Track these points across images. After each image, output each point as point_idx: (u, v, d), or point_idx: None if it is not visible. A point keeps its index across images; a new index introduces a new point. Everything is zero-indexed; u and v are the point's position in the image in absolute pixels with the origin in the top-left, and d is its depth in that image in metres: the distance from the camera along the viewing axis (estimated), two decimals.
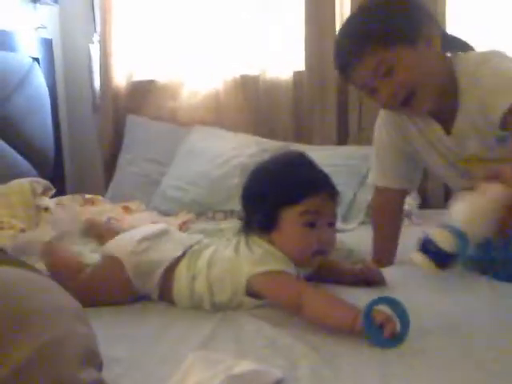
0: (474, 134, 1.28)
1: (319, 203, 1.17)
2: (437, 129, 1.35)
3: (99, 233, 1.64)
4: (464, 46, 1.34)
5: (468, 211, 1.00)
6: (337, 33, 1.39)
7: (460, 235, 0.96)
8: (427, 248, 0.99)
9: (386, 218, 1.56)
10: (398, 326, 0.99)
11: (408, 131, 1.42)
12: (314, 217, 1.17)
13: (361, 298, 1.24)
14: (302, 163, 1.24)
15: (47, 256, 1.38)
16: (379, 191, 1.55)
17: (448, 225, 0.98)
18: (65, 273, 1.30)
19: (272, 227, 1.19)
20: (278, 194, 1.18)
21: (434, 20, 1.31)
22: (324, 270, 1.33)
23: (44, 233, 1.62)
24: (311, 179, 1.20)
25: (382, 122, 1.48)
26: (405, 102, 1.25)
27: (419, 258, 0.99)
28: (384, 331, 0.96)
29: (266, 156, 1.35)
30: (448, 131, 1.33)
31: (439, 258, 0.98)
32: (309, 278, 1.31)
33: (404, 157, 1.48)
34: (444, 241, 0.97)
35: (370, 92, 1.29)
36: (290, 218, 1.17)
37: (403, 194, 1.57)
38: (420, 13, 1.26)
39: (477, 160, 1.33)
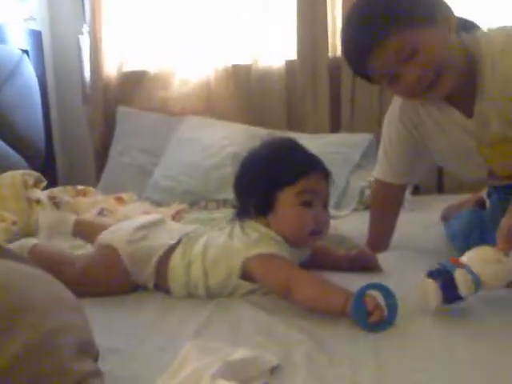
0: (495, 115, 1.27)
1: (314, 183, 1.20)
2: (456, 115, 1.31)
3: (89, 232, 1.59)
4: (473, 27, 1.32)
5: (493, 267, 1.01)
6: (342, 22, 1.33)
7: (479, 285, 0.99)
8: (443, 281, 1.00)
9: (386, 209, 1.57)
10: (386, 313, 0.99)
11: (423, 126, 1.39)
12: (310, 196, 1.19)
13: (356, 282, 1.25)
14: (293, 146, 1.27)
15: (37, 251, 1.37)
16: (382, 185, 1.54)
17: (470, 269, 1.00)
18: (58, 264, 1.29)
19: (269, 210, 1.20)
20: (273, 176, 1.20)
21: (446, 1, 1.26)
22: (319, 256, 1.35)
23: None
24: (304, 160, 1.23)
25: (394, 119, 1.45)
26: (431, 85, 1.20)
27: (432, 287, 1.00)
28: (371, 317, 0.97)
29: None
30: (468, 115, 1.30)
31: (451, 295, 1.00)
32: (304, 264, 1.31)
33: (412, 154, 1.46)
34: (465, 285, 0.99)
35: (391, 80, 1.22)
36: (287, 199, 1.19)
37: (404, 187, 1.57)
38: None
39: (501, 141, 1.31)
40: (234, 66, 2.69)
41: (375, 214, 1.58)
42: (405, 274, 1.28)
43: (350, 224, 1.84)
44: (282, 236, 1.19)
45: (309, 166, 1.21)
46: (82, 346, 0.78)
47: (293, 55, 2.60)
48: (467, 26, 1.31)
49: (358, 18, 1.24)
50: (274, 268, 1.14)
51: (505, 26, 1.27)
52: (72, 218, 1.63)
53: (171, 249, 1.26)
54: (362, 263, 1.33)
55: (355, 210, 2.15)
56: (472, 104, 1.28)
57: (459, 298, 1.00)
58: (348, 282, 1.19)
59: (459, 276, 0.99)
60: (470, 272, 0.99)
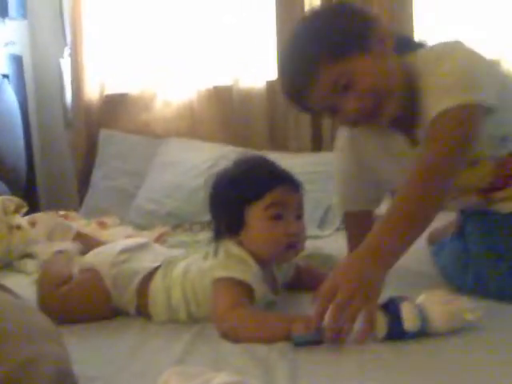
0: None
1: (282, 194, 1.17)
2: (401, 143, 1.28)
3: (88, 245, 1.59)
4: (418, 46, 1.27)
5: (441, 308, 1.00)
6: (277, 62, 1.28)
7: (425, 323, 0.98)
8: (390, 314, 0.99)
9: (359, 233, 1.55)
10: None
11: (371, 153, 1.37)
12: (279, 208, 1.17)
13: None
14: (260, 162, 1.25)
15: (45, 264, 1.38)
16: (348, 214, 1.52)
17: (419, 304, 1.00)
18: (47, 285, 1.29)
19: (239, 228, 1.19)
20: (240, 193, 1.18)
21: (380, 21, 1.21)
22: (303, 277, 1.34)
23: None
24: (270, 174, 1.20)
25: (341, 150, 1.43)
26: (372, 114, 1.16)
27: (380, 319, 0.99)
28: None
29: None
30: (413, 141, 1.26)
31: (396, 330, 0.98)
32: (288, 285, 1.31)
33: (367, 181, 1.43)
34: (410, 321, 0.98)
35: (331, 112, 1.19)
36: (256, 215, 1.17)
37: (370, 212, 1.54)
38: (363, 17, 1.19)
39: None
40: (216, 88, 2.70)
41: (349, 239, 1.52)
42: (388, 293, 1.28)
43: (333, 243, 1.84)
44: (255, 255, 1.17)
45: (274, 179, 1.18)
46: (59, 375, 0.76)
47: (274, 75, 2.62)
48: (411, 46, 1.26)
49: (289, 57, 1.20)
50: (218, 298, 1.12)
51: (446, 42, 1.22)
52: (73, 227, 1.62)
53: (153, 272, 1.25)
54: None
55: (338, 229, 2.15)
56: (415, 130, 1.23)
57: (405, 334, 0.98)
58: None
59: (405, 312, 0.98)
60: (418, 307, 0.99)
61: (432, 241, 1.66)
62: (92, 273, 1.27)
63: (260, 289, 1.16)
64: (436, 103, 1.11)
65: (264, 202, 1.16)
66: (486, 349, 0.96)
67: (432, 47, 1.25)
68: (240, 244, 1.19)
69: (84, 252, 1.48)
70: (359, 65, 1.13)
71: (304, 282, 1.35)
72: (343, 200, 1.50)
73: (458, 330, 1.01)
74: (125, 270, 1.25)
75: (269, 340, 1.01)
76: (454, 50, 1.17)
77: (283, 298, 1.27)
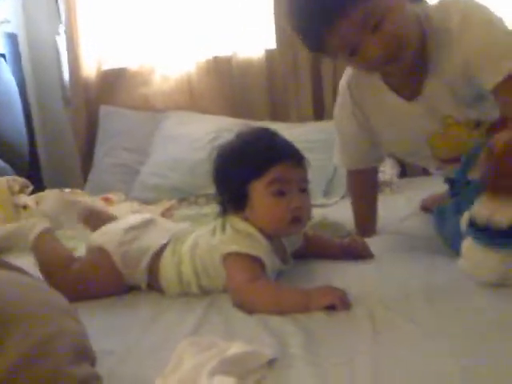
0: (448, 94, 1.25)
1: (284, 170, 1.17)
2: (394, 97, 1.32)
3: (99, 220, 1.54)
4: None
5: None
6: None
7: None
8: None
9: (363, 193, 1.58)
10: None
11: (369, 111, 1.40)
12: (282, 184, 1.16)
13: (349, 271, 1.26)
14: (262, 136, 1.23)
15: (36, 250, 1.37)
16: (351, 172, 1.55)
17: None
18: (54, 267, 1.29)
19: (244, 204, 1.19)
20: (242, 170, 1.17)
21: None
22: (312, 246, 1.35)
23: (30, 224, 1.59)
24: (271, 149, 1.18)
25: (346, 110, 1.44)
26: (391, 58, 1.17)
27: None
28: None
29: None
30: (411, 98, 1.30)
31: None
32: (298, 253, 1.32)
33: (368, 139, 1.46)
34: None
35: (351, 52, 1.18)
36: (259, 191, 1.17)
37: (375, 168, 1.58)
38: None
39: (454, 124, 1.31)
40: (215, 59, 2.68)
41: (354, 201, 1.58)
42: (395, 259, 1.29)
43: (339, 211, 1.84)
44: (261, 229, 1.18)
45: (277, 154, 1.17)
46: (78, 350, 0.78)
47: (272, 44, 2.59)
48: None
49: None
50: (235, 272, 1.13)
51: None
52: (78, 204, 1.61)
53: (162, 248, 1.26)
54: (354, 251, 1.34)
55: (344, 197, 2.15)
56: (419, 83, 1.26)
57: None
58: (340, 269, 1.20)
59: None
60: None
61: (426, 208, 1.67)
62: (101, 252, 1.27)
63: (270, 262, 1.17)
64: (496, 68, 1.15)
65: (266, 179, 1.16)
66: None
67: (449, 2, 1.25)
68: (246, 219, 1.19)
69: (95, 227, 1.48)
70: (391, 6, 1.14)
71: (312, 249, 1.36)
72: (348, 158, 1.52)
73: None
74: (133, 248, 1.26)
75: (286, 312, 1.02)
76: (476, 12, 1.20)
77: (293, 267, 1.28)
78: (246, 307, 1.07)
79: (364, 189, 1.58)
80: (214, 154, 1.24)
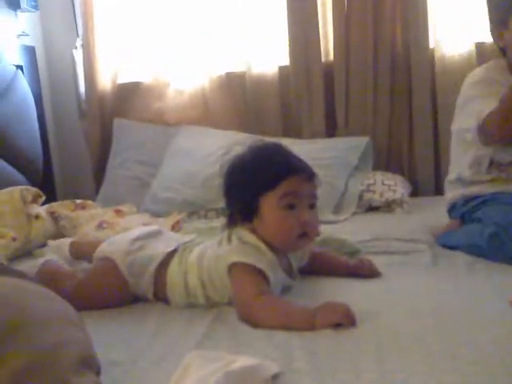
0: None
1: (296, 184, 1.18)
2: None
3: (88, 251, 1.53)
4: None
5: None
6: None
7: None
8: None
9: None
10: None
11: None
12: (293, 199, 1.17)
13: (355, 287, 1.26)
14: (276, 150, 1.25)
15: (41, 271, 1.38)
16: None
17: None
18: (60, 276, 1.31)
19: (253, 216, 1.19)
20: (255, 181, 1.19)
21: None
22: (318, 263, 1.35)
23: None
24: (285, 163, 1.20)
25: (488, 69, 1.57)
26: None
27: None
28: None
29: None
30: None
31: None
32: (303, 270, 1.32)
33: None
34: None
35: None
36: (269, 204, 1.17)
37: None
38: None
39: None
40: (228, 74, 2.70)
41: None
42: (402, 277, 1.29)
43: (349, 228, 1.85)
44: (268, 242, 1.18)
45: (289, 170, 1.19)
46: (83, 359, 0.78)
47: (286, 61, 2.61)
48: None
49: None
50: (243, 283, 1.13)
51: None
52: (67, 241, 1.62)
53: (168, 257, 1.26)
54: (361, 273, 1.34)
55: (354, 213, 2.15)
56: None
57: None
58: (346, 286, 1.19)
59: None
60: None
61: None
62: (107, 261, 1.28)
63: (275, 275, 1.17)
64: None
65: (277, 192, 1.16)
66: None
67: None
68: (253, 231, 1.20)
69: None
70: None
71: (318, 266, 1.36)
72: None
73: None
74: (140, 257, 1.27)
75: (292, 329, 1.02)
76: None
77: (299, 283, 1.28)
78: (252, 322, 1.07)
79: None
80: (225, 165, 1.25)
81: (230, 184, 1.24)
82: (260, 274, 1.14)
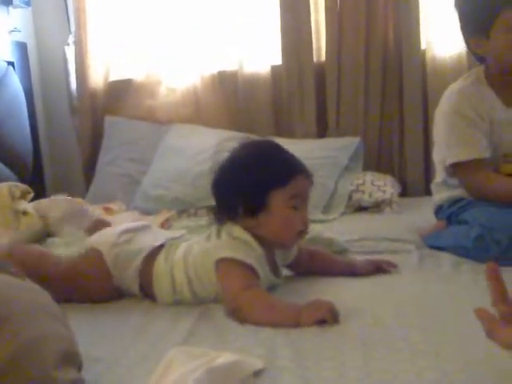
0: None
1: (304, 185, 1.21)
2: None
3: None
4: None
5: None
6: None
7: None
8: None
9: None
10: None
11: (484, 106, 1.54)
12: (300, 199, 1.20)
13: (344, 286, 1.26)
14: (279, 149, 1.27)
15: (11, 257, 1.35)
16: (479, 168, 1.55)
17: None
18: (44, 262, 1.29)
19: (259, 211, 1.19)
20: (267, 177, 1.19)
21: None
22: (316, 261, 1.36)
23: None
24: (292, 162, 1.23)
25: (461, 98, 1.56)
26: None
27: None
28: None
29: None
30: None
31: None
32: (300, 269, 1.35)
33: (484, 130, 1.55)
34: None
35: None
36: (281, 201, 1.18)
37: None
38: None
39: None
40: (220, 73, 2.70)
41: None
42: (390, 277, 1.30)
43: (338, 227, 1.85)
44: (265, 238, 1.19)
45: (298, 167, 1.22)
46: (65, 355, 0.77)
47: (278, 60, 2.61)
48: None
49: None
50: (230, 277, 1.14)
51: None
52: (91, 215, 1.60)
53: (155, 252, 1.26)
54: (355, 271, 1.35)
55: (343, 213, 2.16)
56: None
57: None
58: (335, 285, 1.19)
59: None
60: None
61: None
62: (93, 252, 1.28)
63: (263, 272, 1.18)
64: None
65: (288, 191, 1.18)
66: None
67: None
68: (246, 228, 1.19)
69: None
70: None
71: (317, 265, 1.38)
72: (476, 147, 1.54)
73: None
74: (126, 250, 1.27)
75: (277, 325, 1.02)
76: None
77: (286, 281, 1.29)
78: (238, 315, 1.07)
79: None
80: (220, 162, 1.25)
81: (232, 179, 1.22)
82: (249, 268, 1.14)
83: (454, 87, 1.63)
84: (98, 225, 1.54)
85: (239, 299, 1.09)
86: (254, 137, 2.18)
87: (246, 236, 1.19)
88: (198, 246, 1.23)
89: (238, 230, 1.20)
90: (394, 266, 1.36)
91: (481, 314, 0.73)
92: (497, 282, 0.73)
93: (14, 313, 0.76)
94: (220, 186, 1.25)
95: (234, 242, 1.18)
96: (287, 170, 1.20)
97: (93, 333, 1.05)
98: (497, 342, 0.71)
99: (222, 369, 0.80)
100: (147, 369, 0.86)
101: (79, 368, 0.82)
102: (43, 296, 0.89)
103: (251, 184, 1.20)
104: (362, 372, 0.84)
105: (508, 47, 1.47)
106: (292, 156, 1.25)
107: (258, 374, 0.84)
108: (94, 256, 1.27)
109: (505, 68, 1.53)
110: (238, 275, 1.13)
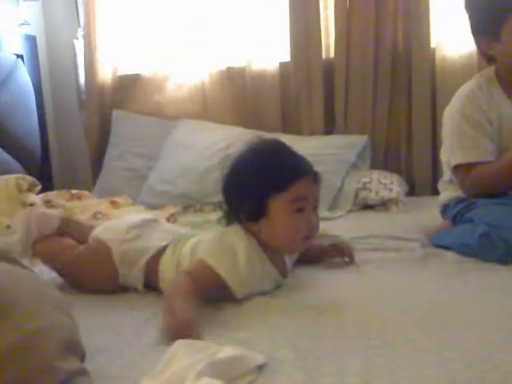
0: None
1: (306, 188, 1.18)
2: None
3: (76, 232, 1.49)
4: None
5: None
6: None
7: None
8: None
9: None
10: None
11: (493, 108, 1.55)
12: (302, 203, 1.17)
13: (346, 283, 1.26)
14: (282, 150, 1.24)
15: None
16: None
17: None
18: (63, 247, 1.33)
19: (260, 216, 1.18)
20: (265, 183, 1.17)
21: None
22: (307, 253, 1.37)
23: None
24: (295, 165, 1.20)
25: (469, 100, 1.56)
26: None
27: None
28: None
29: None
30: None
31: None
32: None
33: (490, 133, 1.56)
34: None
35: None
36: (280, 206, 1.16)
37: None
38: None
39: None
40: (229, 69, 2.69)
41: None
42: (393, 275, 1.30)
43: (344, 225, 1.85)
44: (270, 243, 1.18)
45: (300, 170, 1.18)
46: (67, 345, 0.78)
47: (286, 57, 2.60)
48: None
49: None
50: (196, 269, 1.14)
51: None
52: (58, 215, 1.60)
53: (162, 250, 1.26)
54: (335, 254, 1.39)
55: (349, 211, 2.15)
56: None
57: None
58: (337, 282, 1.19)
59: None
60: None
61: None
62: (103, 247, 1.28)
63: (267, 274, 1.19)
64: None
65: (289, 195, 1.16)
66: None
67: None
68: (252, 233, 1.19)
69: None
70: None
71: (307, 256, 1.38)
72: (476, 150, 1.55)
73: None
74: (134, 247, 1.27)
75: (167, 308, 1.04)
76: None
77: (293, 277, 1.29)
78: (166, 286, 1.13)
79: None
80: (227, 162, 1.24)
81: (237, 183, 1.22)
82: (218, 281, 1.13)
83: (464, 88, 1.62)
84: (70, 226, 1.46)
85: (179, 277, 1.12)
86: (263, 134, 2.17)
87: (250, 239, 1.17)
88: (205, 245, 1.22)
89: (241, 233, 1.18)
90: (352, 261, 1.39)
91: None
92: None
93: (17, 302, 0.76)
94: (223, 190, 1.24)
95: (223, 251, 1.17)
96: (287, 175, 1.17)
97: (98, 324, 1.06)
98: None
99: (224, 362, 0.81)
100: (150, 362, 0.87)
101: (82, 358, 0.82)
102: (48, 286, 0.89)
103: (249, 191, 1.19)
104: (363, 368, 0.84)
105: None
106: (296, 157, 1.22)
107: (260, 368, 0.84)
108: (103, 251, 1.28)
109: None
110: (202, 273, 1.13)
